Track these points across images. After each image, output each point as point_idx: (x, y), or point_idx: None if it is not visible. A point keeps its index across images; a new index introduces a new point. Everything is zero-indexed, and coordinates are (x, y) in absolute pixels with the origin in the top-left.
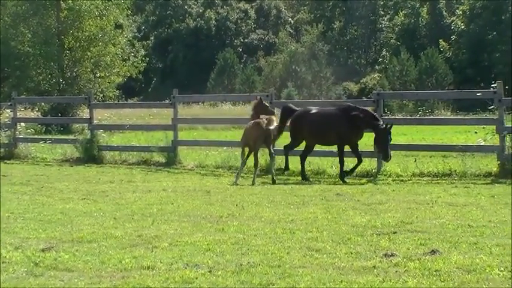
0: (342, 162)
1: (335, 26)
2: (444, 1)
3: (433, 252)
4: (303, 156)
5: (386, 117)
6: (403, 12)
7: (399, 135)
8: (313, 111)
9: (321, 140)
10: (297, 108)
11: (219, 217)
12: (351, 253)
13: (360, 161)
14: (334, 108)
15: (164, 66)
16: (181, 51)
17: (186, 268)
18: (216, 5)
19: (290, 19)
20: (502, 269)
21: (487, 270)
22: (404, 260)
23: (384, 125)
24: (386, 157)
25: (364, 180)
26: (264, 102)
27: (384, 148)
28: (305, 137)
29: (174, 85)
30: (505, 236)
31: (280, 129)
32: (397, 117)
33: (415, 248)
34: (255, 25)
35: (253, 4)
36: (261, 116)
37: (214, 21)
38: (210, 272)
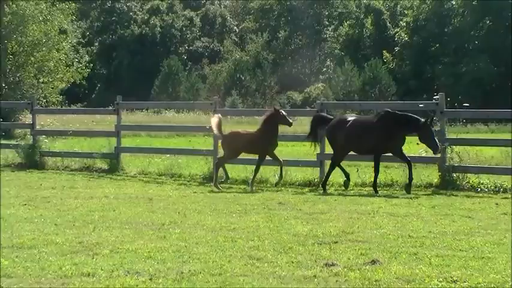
0: (377, 172)
1: (280, 36)
2: (388, 12)
3: (374, 262)
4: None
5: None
6: (347, 22)
7: None
8: (351, 119)
9: (359, 148)
10: (331, 117)
11: (161, 224)
12: (292, 262)
13: (410, 165)
14: (372, 116)
15: (108, 72)
16: (126, 57)
17: (126, 275)
18: (162, 12)
19: (235, 27)
20: (441, 279)
21: (426, 281)
22: (345, 269)
23: (424, 120)
24: (436, 150)
25: (306, 189)
26: (282, 112)
27: (431, 142)
28: (342, 145)
29: (118, 92)
30: (444, 247)
31: (313, 138)
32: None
33: (355, 258)
34: (200, 33)
35: (198, 12)
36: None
37: (159, 28)
38: (150, 279)
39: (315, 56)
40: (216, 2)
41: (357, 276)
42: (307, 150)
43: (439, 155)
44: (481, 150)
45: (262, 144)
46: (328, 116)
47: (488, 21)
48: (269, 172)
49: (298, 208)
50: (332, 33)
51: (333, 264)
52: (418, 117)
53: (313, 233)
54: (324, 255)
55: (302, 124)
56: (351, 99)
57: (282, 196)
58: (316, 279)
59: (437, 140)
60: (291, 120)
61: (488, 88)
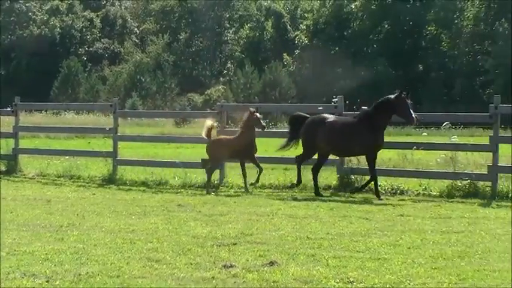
0: (374, 175)
1: (181, 37)
2: (289, 15)
3: (272, 263)
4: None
5: (230, 128)
6: (248, 25)
7: None
8: (331, 119)
9: (345, 150)
10: (307, 115)
11: (59, 226)
12: (191, 264)
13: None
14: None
15: (7, 73)
16: (25, 58)
17: (23, 278)
18: (61, 13)
19: (136, 29)
20: (338, 280)
21: (323, 282)
22: (243, 271)
23: (397, 93)
24: (411, 121)
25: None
26: (256, 115)
27: (407, 113)
28: (322, 146)
29: (17, 93)
30: (342, 248)
31: (291, 139)
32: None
33: (254, 259)
34: (100, 34)
35: (98, 13)
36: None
37: (59, 29)
38: (47, 281)
39: (215, 58)
40: (116, 3)
41: (255, 278)
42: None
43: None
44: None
45: (247, 149)
46: (304, 114)
47: (386, 25)
48: (169, 174)
49: (198, 210)
50: (233, 35)
51: (231, 266)
52: (388, 96)
53: (212, 234)
54: (222, 257)
55: (203, 126)
56: (251, 102)
57: (182, 198)
58: (214, 281)
59: (412, 112)
60: (263, 124)
61: (387, 91)
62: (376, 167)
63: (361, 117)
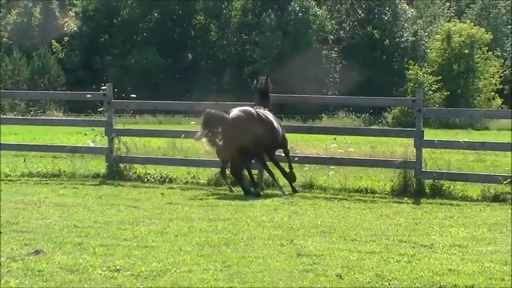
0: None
1: None
2: (57, 2)
3: (37, 252)
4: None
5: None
6: (15, 10)
7: (10, 135)
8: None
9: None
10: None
11: None
12: None
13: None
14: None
15: None
16: None
17: None
18: None
19: None
20: (105, 268)
21: (89, 270)
22: (8, 260)
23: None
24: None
25: None
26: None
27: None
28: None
29: None
30: (109, 236)
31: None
32: (8, 117)
33: (19, 248)
34: None
35: None
36: None
37: None
38: None
39: None
40: None
41: (20, 267)
42: None
43: None
44: (149, 141)
45: None
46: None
47: (156, 14)
48: None
49: None
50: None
51: None
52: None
53: None
54: None
55: None
56: (19, 89)
57: None
58: None
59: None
60: None
61: (157, 79)
62: (146, 156)
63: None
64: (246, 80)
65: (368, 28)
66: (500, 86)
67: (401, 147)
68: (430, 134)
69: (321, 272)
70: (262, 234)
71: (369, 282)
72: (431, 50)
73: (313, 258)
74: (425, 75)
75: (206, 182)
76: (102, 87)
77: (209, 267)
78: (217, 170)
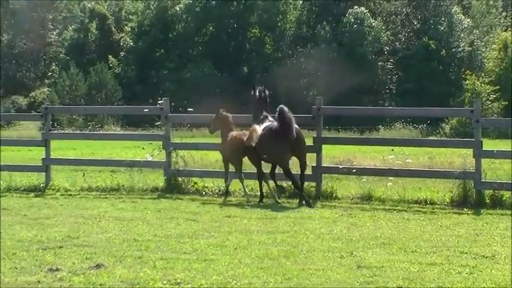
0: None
1: (3, 39)
2: (113, 17)
3: (98, 266)
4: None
5: (56, 131)
6: (72, 27)
7: (69, 149)
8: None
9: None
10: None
11: None
12: (16, 268)
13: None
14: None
15: None
16: None
17: None
18: None
19: None
20: (165, 282)
21: (150, 284)
22: (70, 274)
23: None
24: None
25: (32, 194)
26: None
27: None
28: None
29: None
30: (169, 250)
31: None
32: (66, 132)
33: (80, 263)
34: None
35: None
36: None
37: None
38: None
39: (39, 60)
40: None
41: (82, 281)
42: (33, 155)
43: None
44: (206, 155)
45: None
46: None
47: (211, 28)
48: None
49: (23, 214)
50: (57, 37)
51: (57, 269)
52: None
53: (38, 238)
54: (48, 261)
55: (28, 129)
56: (77, 104)
57: (7, 202)
58: (39, 285)
59: None
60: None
61: (213, 93)
62: (204, 169)
63: None
64: (301, 92)
65: (424, 39)
66: None
67: (459, 157)
68: (489, 144)
69: (382, 284)
70: (322, 246)
71: None
72: (488, 59)
73: (373, 270)
74: (482, 85)
75: (265, 194)
76: (159, 101)
77: (269, 280)
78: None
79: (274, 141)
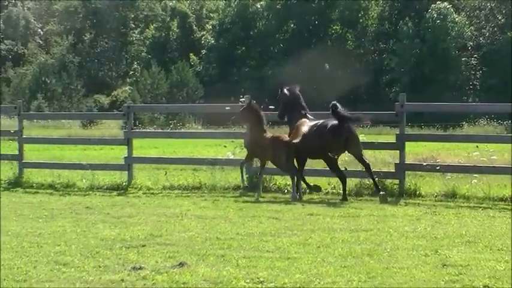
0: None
1: (86, 38)
2: (194, 15)
3: (181, 264)
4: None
5: (138, 129)
6: (153, 25)
7: (150, 148)
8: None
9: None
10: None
11: None
12: (99, 266)
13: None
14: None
15: None
16: None
17: None
18: None
19: (39, 30)
20: (248, 280)
21: (233, 282)
22: (153, 273)
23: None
24: None
25: (114, 193)
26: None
27: None
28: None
29: None
30: (251, 248)
31: None
32: (148, 131)
33: (163, 261)
34: (3, 35)
35: (1, 14)
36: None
37: None
38: None
39: (121, 59)
40: (18, 4)
41: (165, 279)
42: (115, 154)
43: None
44: None
45: None
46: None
47: (292, 25)
48: (76, 176)
49: (106, 212)
50: (138, 36)
51: (140, 268)
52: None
53: (121, 236)
54: (131, 259)
55: (110, 127)
56: (158, 102)
57: (90, 200)
58: (123, 283)
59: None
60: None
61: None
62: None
63: None
64: (383, 89)
65: (508, 33)
66: None
67: None
68: None
69: (468, 282)
70: (406, 244)
71: None
72: None
73: (459, 269)
74: None
75: (347, 192)
76: (241, 99)
77: (353, 279)
78: (357, 180)
79: (331, 139)
